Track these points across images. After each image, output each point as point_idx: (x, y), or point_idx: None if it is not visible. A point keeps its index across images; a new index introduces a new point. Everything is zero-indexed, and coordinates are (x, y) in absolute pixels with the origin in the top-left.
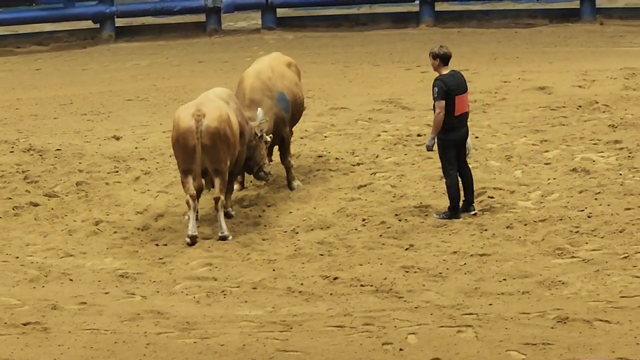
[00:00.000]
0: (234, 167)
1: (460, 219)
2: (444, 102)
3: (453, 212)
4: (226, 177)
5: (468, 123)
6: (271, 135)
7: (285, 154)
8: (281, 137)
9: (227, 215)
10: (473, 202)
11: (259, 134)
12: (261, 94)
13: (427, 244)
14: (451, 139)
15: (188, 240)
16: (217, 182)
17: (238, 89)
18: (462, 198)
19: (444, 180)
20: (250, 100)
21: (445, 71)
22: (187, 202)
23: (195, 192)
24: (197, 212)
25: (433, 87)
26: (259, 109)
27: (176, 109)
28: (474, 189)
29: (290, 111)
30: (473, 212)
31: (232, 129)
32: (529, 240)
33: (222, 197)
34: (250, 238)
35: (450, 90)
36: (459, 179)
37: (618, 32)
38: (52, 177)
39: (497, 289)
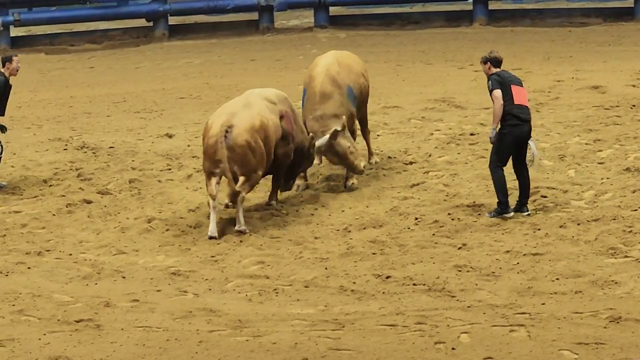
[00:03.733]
0: (280, 167)
1: (511, 214)
2: (499, 91)
3: (502, 206)
4: (254, 179)
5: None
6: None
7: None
8: (351, 131)
9: (269, 205)
10: (527, 204)
11: (309, 152)
12: (332, 89)
13: (479, 243)
14: (513, 135)
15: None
16: (242, 179)
17: (309, 87)
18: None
19: (491, 175)
20: (321, 95)
21: (498, 71)
22: (208, 203)
23: (215, 193)
24: (217, 213)
25: (487, 83)
26: (327, 137)
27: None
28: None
29: (355, 105)
30: (526, 213)
31: (268, 136)
32: (582, 240)
33: (243, 193)
34: (303, 236)
35: (504, 80)
36: (517, 179)
37: None
38: (105, 175)
39: (549, 289)
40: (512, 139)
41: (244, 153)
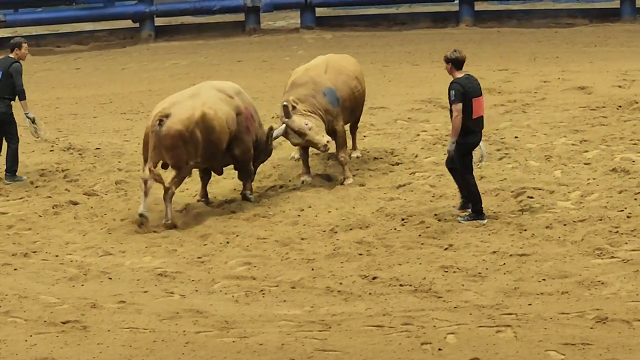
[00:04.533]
0: (241, 162)
1: (485, 221)
2: (461, 104)
3: (477, 213)
4: (184, 171)
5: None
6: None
7: (338, 147)
8: (333, 131)
9: (245, 198)
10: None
11: (267, 144)
12: (305, 88)
13: (466, 244)
14: (469, 143)
15: (138, 219)
16: (172, 174)
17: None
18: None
19: (466, 183)
20: (289, 87)
21: (459, 75)
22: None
23: (147, 177)
24: (148, 194)
25: (449, 90)
26: (283, 126)
27: None
28: (513, 189)
29: (338, 106)
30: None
31: (211, 128)
32: (569, 241)
33: (173, 189)
34: (289, 237)
35: (467, 92)
36: (455, 179)
37: None
38: (92, 176)
39: (536, 289)
40: (466, 148)
41: (174, 143)
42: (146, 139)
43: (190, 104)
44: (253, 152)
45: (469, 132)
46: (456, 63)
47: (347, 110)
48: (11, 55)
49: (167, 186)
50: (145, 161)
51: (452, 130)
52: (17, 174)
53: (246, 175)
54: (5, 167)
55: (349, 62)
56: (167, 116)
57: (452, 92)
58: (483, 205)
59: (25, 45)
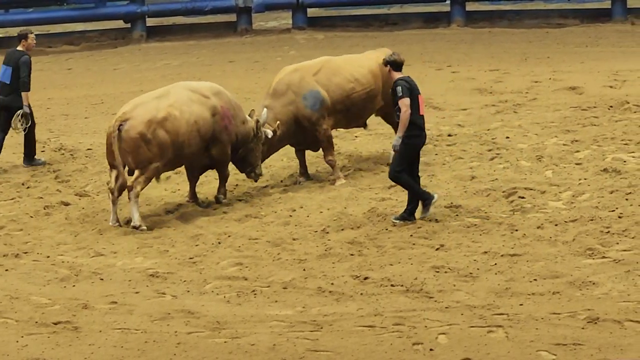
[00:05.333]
0: (218, 163)
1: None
2: (409, 99)
3: (426, 205)
4: (151, 172)
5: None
6: (270, 134)
7: (325, 151)
8: (313, 135)
9: (218, 201)
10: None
11: (257, 136)
12: (286, 87)
13: (457, 244)
14: (414, 144)
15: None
16: (136, 173)
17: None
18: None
19: (398, 182)
20: (271, 93)
21: (399, 76)
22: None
23: (114, 186)
24: (116, 203)
25: (394, 87)
26: (264, 110)
27: None
28: (505, 189)
29: (321, 109)
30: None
31: (176, 128)
32: (560, 241)
33: (138, 188)
34: (281, 237)
35: (412, 88)
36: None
37: None
38: (83, 177)
39: (527, 289)
40: (412, 148)
41: (136, 145)
42: (108, 144)
43: (154, 105)
44: (243, 149)
45: (416, 129)
46: (394, 65)
47: (340, 112)
48: (19, 48)
49: (130, 185)
50: (111, 168)
51: (400, 126)
52: (34, 157)
53: (222, 177)
54: (24, 152)
55: (354, 64)
56: (125, 121)
57: (399, 89)
58: (476, 206)
59: (31, 36)
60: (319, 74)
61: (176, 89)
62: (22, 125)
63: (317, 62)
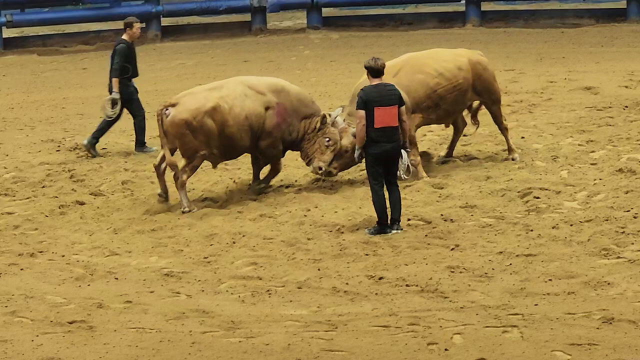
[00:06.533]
0: (265, 156)
1: (391, 233)
2: (362, 112)
3: (380, 227)
4: (194, 162)
5: (517, 122)
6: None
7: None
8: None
9: (256, 188)
10: (399, 221)
11: (319, 129)
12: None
13: (472, 244)
14: (373, 153)
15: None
16: (182, 163)
17: None
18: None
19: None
20: (351, 95)
21: (374, 82)
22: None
23: (158, 163)
24: (161, 177)
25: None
26: (339, 108)
27: None
28: (520, 189)
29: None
30: (395, 231)
31: (224, 120)
32: (575, 241)
33: (183, 177)
34: (295, 237)
35: (369, 100)
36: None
37: None
38: (98, 176)
39: (542, 290)
40: (373, 158)
41: (180, 132)
42: (158, 126)
43: (204, 95)
44: (304, 143)
45: (373, 142)
46: (370, 71)
47: (429, 109)
48: (123, 36)
49: (177, 174)
50: (162, 147)
51: (357, 139)
52: (144, 143)
53: (273, 169)
54: (135, 140)
55: (438, 59)
56: (173, 105)
57: (357, 100)
58: (491, 206)
59: (137, 25)
60: (399, 74)
61: (231, 83)
62: (110, 110)
63: (398, 62)
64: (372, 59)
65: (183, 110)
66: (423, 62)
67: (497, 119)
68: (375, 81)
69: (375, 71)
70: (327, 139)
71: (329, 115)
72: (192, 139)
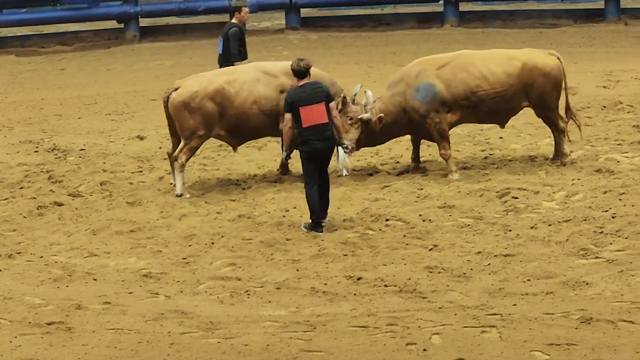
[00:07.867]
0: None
1: (322, 233)
2: (289, 114)
3: (314, 225)
4: (194, 143)
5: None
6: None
7: (438, 144)
8: (425, 128)
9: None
10: (324, 220)
11: (338, 110)
12: (400, 78)
13: (451, 245)
14: (306, 152)
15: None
16: (182, 144)
17: None
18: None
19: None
20: (389, 83)
21: (300, 83)
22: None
23: (171, 151)
24: (174, 171)
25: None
26: (369, 92)
27: None
28: (498, 189)
29: (432, 102)
30: (319, 233)
31: (225, 103)
32: (553, 241)
33: (182, 159)
34: (274, 238)
35: (294, 102)
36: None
37: None
38: (76, 177)
39: (521, 290)
40: (307, 156)
41: (178, 113)
42: (165, 110)
43: (208, 78)
44: None
45: (305, 141)
46: (294, 73)
47: (467, 108)
48: (233, 20)
49: (175, 155)
50: (171, 135)
51: (284, 141)
52: None
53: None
54: None
55: (489, 61)
56: (175, 89)
57: (284, 102)
58: (470, 206)
59: (245, 9)
60: (444, 68)
61: (245, 68)
62: None
63: (449, 56)
64: (296, 60)
65: (183, 92)
66: (471, 61)
67: (552, 123)
68: (302, 82)
69: (298, 73)
70: (350, 118)
71: (348, 95)
72: (189, 119)
